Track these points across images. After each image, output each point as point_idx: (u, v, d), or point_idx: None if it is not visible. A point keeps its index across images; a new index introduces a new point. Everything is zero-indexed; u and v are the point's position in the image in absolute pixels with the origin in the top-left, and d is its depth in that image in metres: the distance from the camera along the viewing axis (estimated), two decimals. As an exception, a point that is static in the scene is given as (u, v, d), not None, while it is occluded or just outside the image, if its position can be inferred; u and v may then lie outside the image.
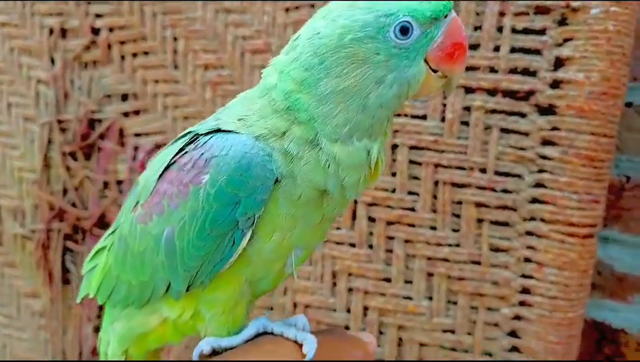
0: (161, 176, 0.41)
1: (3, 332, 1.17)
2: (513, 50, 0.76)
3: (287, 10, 0.89)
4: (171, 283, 0.40)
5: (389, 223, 0.84)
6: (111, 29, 1.02)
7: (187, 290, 0.40)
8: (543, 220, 0.76)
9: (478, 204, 0.79)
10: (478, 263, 0.80)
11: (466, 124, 0.79)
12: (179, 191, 0.38)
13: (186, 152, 0.40)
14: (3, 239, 1.16)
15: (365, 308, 0.87)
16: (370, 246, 0.85)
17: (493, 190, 0.78)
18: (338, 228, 0.87)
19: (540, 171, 0.76)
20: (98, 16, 1.02)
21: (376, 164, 0.39)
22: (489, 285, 0.80)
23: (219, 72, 0.95)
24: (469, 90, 0.78)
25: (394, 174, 0.83)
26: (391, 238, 0.84)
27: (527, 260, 0.78)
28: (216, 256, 0.38)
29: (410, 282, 0.84)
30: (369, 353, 0.44)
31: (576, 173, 0.73)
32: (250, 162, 0.36)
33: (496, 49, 0.76)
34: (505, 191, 0.78)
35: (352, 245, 0.87)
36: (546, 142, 0.75)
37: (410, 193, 0.82)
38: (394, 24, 0.35)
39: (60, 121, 1.08)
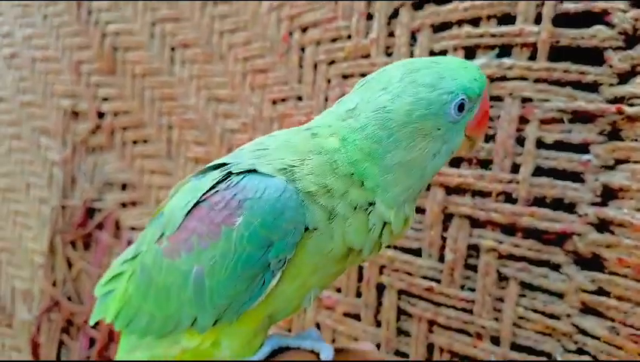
0: (190, 211, 0.41)
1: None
2: (539, 171, 0.53)
3: (273, 102, 0.74)
4: (198, 319, 0.41)
5: (371, 389, 0.62)
6: (115, 114, 0.96)
7: (213, 325, 0.41)
8: None
9: (488, 387, 0.55)
10: None
11: (472, 268, 0.56)
12: (209, 231, 0.39)
13: (217, 191, 0.40)
14: (13, 322, 1.12)
15: None
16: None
17: (509, 371, 0.54)
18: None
19: (580, 352, 0.51)
20: (105, 99, 0.96)
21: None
22: None
23: (206, 168, 0.82)
24: (476, 222, 0.56)
25: (378, 323, 0.62)
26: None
27: None
28: (246, 295, 0.39)
29: None
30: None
31: (634, 367, 0.47)
32: (284, 206, 0.37)
33: (515, 169, 0.54)
34: (526, 374, 0.53)
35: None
36: (589, 310, 0.50)
37: (399, 353, 0.61)
38: (454, 101, 0.38)
39: (63, 207, 1.02)
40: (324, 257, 0.39)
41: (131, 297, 0.46)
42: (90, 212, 1.00)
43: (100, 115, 0.98)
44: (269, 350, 0.43)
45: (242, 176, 0.39)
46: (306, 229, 0.38)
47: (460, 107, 0.38)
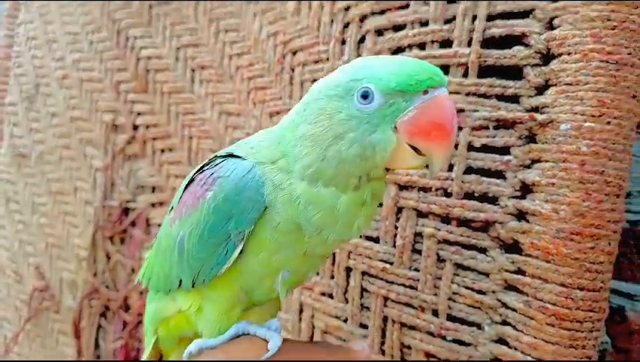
0: (186, 187, 0.50)
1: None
2: (469, 170, 0.63)
3: (270, 115, 0.88)
4: (182, 279, 0.49)
5: (340, 357, 0.74)
6: (147, 126, 1.12)
7: (193, 286, 0.48)
8: (505, 388, 0.60)
9: (429, 354, 0.66)
10: None
11: (417, 252, 0.67)
12: (192, 203, 0.46)
13: (204, 170, 0.48)
14: (60, 309, 1.29)
15: None
16: (322, 380, 0.76)
17: (444, 339, 0.64)
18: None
19: (504, 323, 0.61)
20: (139, 114, 1.12)
21: (357, 217, 0.44)
22: None
23: (217, 172, 0.96)
24: (421, 213, 0.67)
25: (347, 301, 0.73)
26: (341, 375, 0.74)
27: None
28: (213, 260, 0.45)
29: None
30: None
31: (542, 334, 0.57)
32: (245, 185, 0.42)
33: (450, 168, 0.64)
34: (460, 342, 0.64)
35: (307, 374, 0.78)
36: (509, 287, 0.60)
37: (362, 326, 0.72)
38: (358, 88, 0.39)
39: (104, 207, 1.18)
40: (276, 231, 0.44)
41: (151, 259, 0.56)
42: (125, 211, 1.16)
43: (135, 127, 1.15)
44: (234, 333, 0.48)
45: (224, 158, 0.47)
46: (265, 209, 0.43)
47: (365, 96, 0.39)
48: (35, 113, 1.39)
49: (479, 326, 0.63)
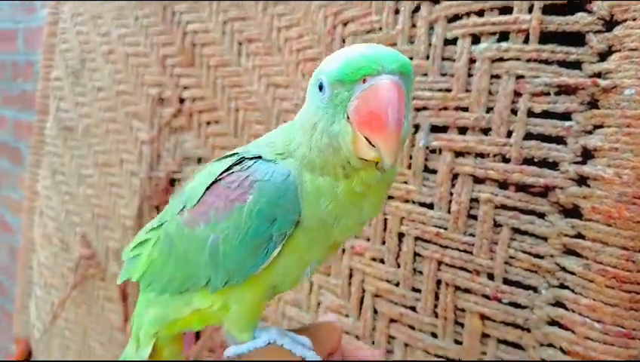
0: (208, 188, 0.48)
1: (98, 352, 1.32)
2: (529, 136, 0.63)
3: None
4: (212, 279, 0.47)
5: (392, 320, 0.75)
6: (193, 100, 1.12)
7: (223, 286, 0.47)
8: (562, 349, 0.60)
9: (484, 316, 0.66)
10: (482, 387, 0.66)
11: (473, 218, 0.67)
12: (225, 206, 0.45)
13: (232, 172, 0.47)
14: (106, 276, 1.31)
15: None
16: (373, 343, 0.77)
17: (500, 301, 0.64)
18: (347, 316, 0.80)
19: (561, 286, 0.60)
20: (185, 88, 1.13)
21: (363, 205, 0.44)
22: (491, 416, 0.65)
23: (265, 143, 0.97)
24: (477, 179, 0.67)
25: (399, 266, 0.74)
26: (392, 338, 0.75)
27: (540, 396, 0.62)
28: (252, 261, 0.45)
29: (407, 394, 0.73)
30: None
31: (601, 297, 0.57)
32: (287, 188, 0.43)
33: (509, 134, 0.64)
34: (515, 305, 0.64)
35: (358, 337, 0.79)
36: (568, 251, 0.60)
37: (414, 289, 0.72)
38: (319, 79, 0.40)
39: (150, 178, 1.20)
40: (307, 231, 0.44)
41: (155, 260, 0.53)
42: (171, 182, 1.18)
43: (181, 100, 1.15)
44: (267, 340, 0.48)
45: (254, 161, 0.46)
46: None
47: (320, 87, 0.40)
48: (80, 88, 1.40)
49: (536, 290, 0.63)
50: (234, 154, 0.49)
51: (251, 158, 0.46)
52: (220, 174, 0.47)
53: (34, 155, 1.57)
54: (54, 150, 1.47)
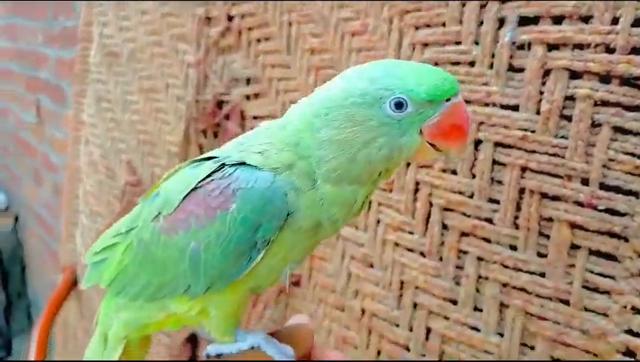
0: (187, 196, 0.47)
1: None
2: (638, 22, 0.54)
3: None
4: (191, 286, 0.47)
5: (463, 234, 0.69)
6: (242, 16, 1.05)
7: (204, 293, 0.47)
8: (666, 259, 0.53)
9: (575, 225, 0.59)
10: (567, 302, 0.60)
11: (567, 118, 0.59)
12: (206, 214, 0.44)
13: (212, 180, 0.46)
14: (152, 203, 1.28)
15: (428, 330, 0.73)
16: (441, 259, 0.71)
17: (596, 208, 0.57)
18: (411, 233, 0.74)
19: (668, 190, 0.53)
20: (233, 4, 1.06)
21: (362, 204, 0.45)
22: (577, 334, 0.59)
23: (321, 56, 0.90)
24: (574, 74, 0.59)
25: (474, 176, 0.67)
26: (463, 253, 0.69)
27: (637, 311, 0.55)
28: (234, 268, 0.45)
29: (480, 310, 0.67)
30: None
31: None
32: (272, 195, 0.43)
33: (615, 21, 0.55)
34: (612, 212, 0.57)
35: (422, 254, 0.73)
36: (680, 151, 0.52)
37: (491, 200, 0.66)
38: (390, 98, 0.40)
39: (197, 101, 1.14)
40: (297, 233, 0.44)
41: (128, 266, 0.51)
42: (219, 104, 1.12)
43: (230, 18, 1.08)
44: (251, 344, 0.48)
45: (235, 168, 0.45)
46: (288, 215, 0.44)
47: (398, 105, 0.40)
48: (124, 12, 1.34)
49: (637, 195, 0.56)
50: (211, 158, 0.47)
51: (232, 165, 0.45)
52: (200, 181, 0.46)
53: (78, 85, 1.53)
54: (99, 77, 1.43)
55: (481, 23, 0.67)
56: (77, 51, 1.53)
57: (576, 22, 0.59)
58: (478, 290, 0.68)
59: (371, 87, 0.41)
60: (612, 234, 0.57)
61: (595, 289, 0.59)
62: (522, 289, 0.64)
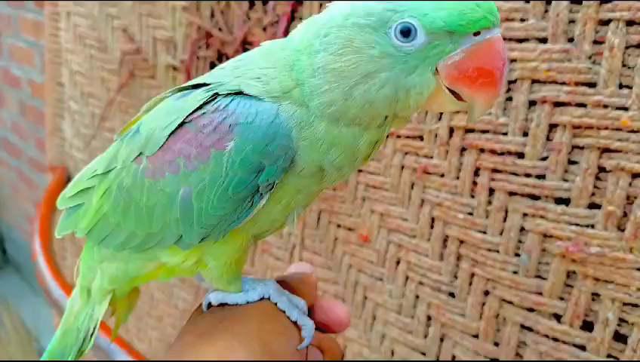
0: (173, 132, 0.39)
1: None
2: None
3: None
4: (184, 237, 0.41)
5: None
6: None
7: (199, 243, 0.41)
8: None
9: None
10: None
11: None
12: (198, 154, 0.38)
13: (204, 113, 0.38)
14: (157, 72, 1.11)
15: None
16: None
17: None
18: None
19: None
20: None
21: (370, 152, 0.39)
22: None
23: None
24: None
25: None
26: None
27: None
28: (233, 216, 0.38)
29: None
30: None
31: None
32: (276, 132, 0.36)
33: None
34: None
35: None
36: None
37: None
38: (397, 21, 0.32)
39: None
40: (299, 177, 0.38)
41: (108, 214, 0.44)
42: None
43: None
44: (258, 298, 0.42)
45: (231, 98, 0.38)
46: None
47: (405, 32, 0.32)
48: None
49: None
50: (201, 85, 0.40)
51: (227, 95, 0.38)
52: (189, 115, 0.39)
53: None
54: None
55: None
56: None
57: None
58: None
59: (379, 6, 0.33)
60: None
61: None
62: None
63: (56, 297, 0.93)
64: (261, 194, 0.38)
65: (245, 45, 0.96)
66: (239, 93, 0.38)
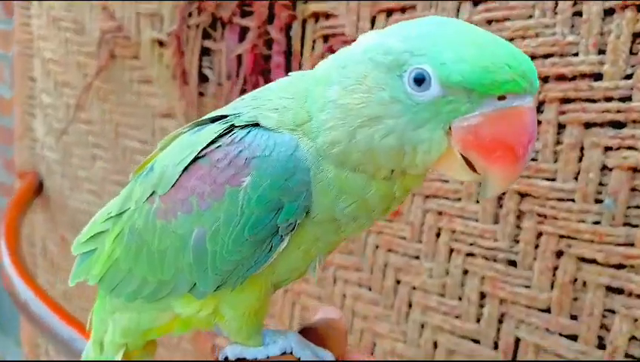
0: (187, 168, 0.36)
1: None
2: None
3: None
4: (198, 284, 0.38)
5: None
6: None
7: (214, 292, 0.38)
8: None
9: None
10: None
11: None
12: (212, 191, 0.35)
13: (219, 146, 0.35)
14: (140, 52, 0.99)
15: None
16: None
17: None
18: None
19: None
20: None
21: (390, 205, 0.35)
22: None
23: None
24: None
25: None
26: None
27: None
28: (251, 260, 0.35)
29: None
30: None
31: None
32: (296, 166, 0.33)
33: None
34: None
35: None
36: None
37: None
38: (413, 66, 0.29)
39: None
40: (315, 224, 0.35)
41: (119, 260, 0.42)
42: None
43: None
44: (279, 353, 0.39)
45: (247, 130, 0.35)
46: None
47: (419, 81, 0.29)
48: None
49: None
50: (219, 117, 0.37)
51: (244, 126, 0.35)
52: (202, 149, 0.36)
53: None
54: None
55: None
56: None
57: None
58: None
59: (399, 46, 0.30)
60: None
61: None
62: None
63: (26, 299, 0.78)
64: (281, 236, 0.35)
65: (243, 7, 0.85)
66: (256, 124, 0.35)
